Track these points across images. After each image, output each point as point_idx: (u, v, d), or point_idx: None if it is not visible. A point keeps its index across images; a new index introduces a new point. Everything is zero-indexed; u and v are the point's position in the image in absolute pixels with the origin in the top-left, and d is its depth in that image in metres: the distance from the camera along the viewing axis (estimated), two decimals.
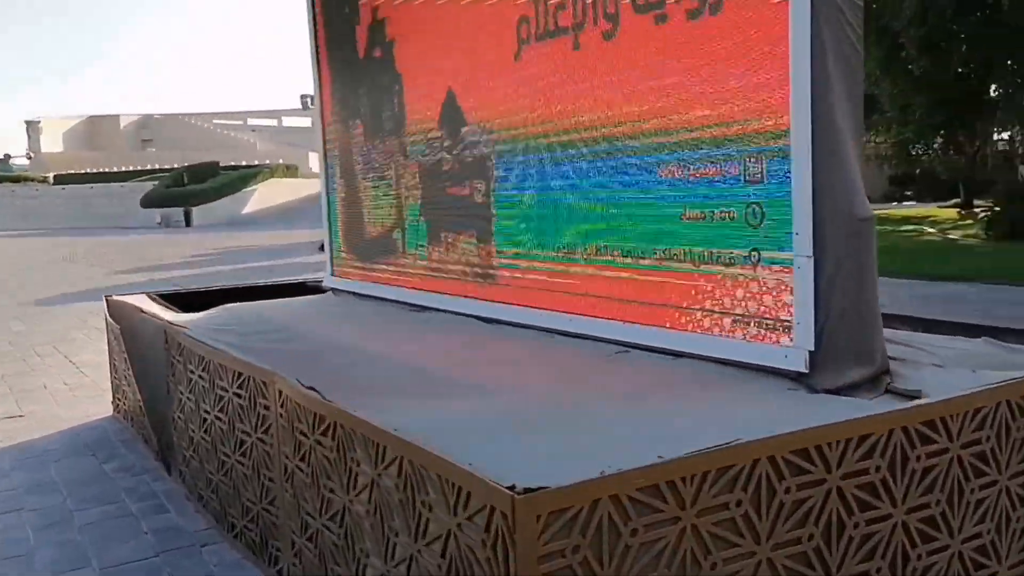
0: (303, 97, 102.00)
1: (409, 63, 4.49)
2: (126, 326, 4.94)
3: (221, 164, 56.07)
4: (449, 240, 4.30)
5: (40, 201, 57.51)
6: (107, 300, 5.49)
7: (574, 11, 3.24)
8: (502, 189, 3.83)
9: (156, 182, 53.72)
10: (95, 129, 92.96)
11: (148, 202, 49.73)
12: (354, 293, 5.31)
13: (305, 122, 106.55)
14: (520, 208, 3.72)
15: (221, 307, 5.18)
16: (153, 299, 5.48)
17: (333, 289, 5.64)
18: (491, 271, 3.96)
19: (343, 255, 5.52)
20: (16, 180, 66.85)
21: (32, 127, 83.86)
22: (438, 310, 4.34)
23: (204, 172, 52.65)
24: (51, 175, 67.01)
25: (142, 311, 4.80)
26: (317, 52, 5.44)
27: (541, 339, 3.54)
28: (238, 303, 5.27)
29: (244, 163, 62.03)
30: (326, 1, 5.28)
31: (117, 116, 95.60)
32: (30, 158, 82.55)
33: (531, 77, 3.53)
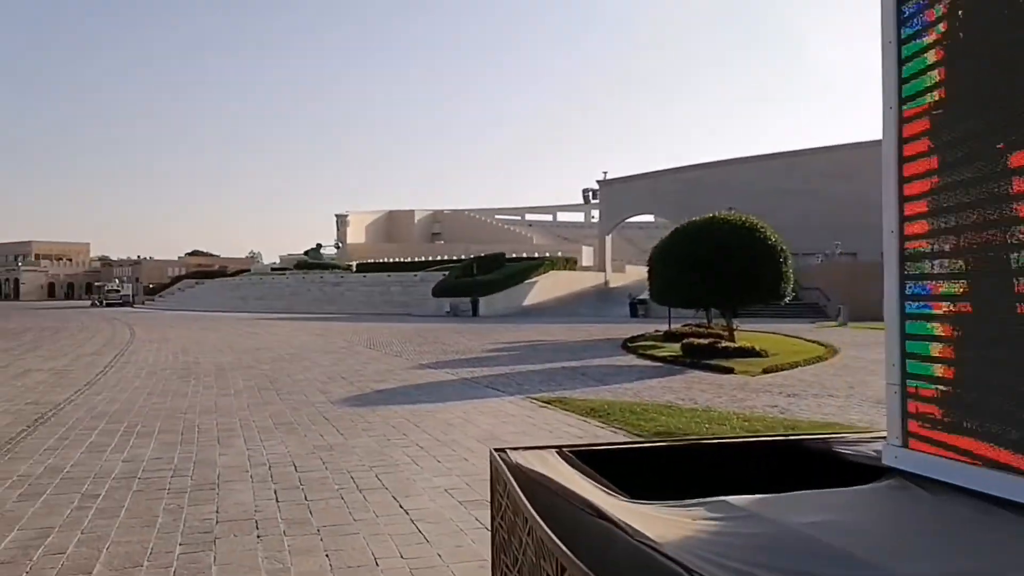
0: (585, 191, 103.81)
1: None
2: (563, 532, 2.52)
3: (505, 256, 57.18)
4: None
5: (343, 287, 61.95)
6: (501, 460, 3.16)
7: None
8: None
9: (445, 272, 55.62)
10: (392, 223, 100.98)
11: (439, 291, 51.23)
12: (983, 495, 2.59)
13: (578, 217, 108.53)
14: None
15: (714, 502, 2.72)
16: (572, 463, 3.15)
17: (901, 472, 2.96)
18: None
19: (941, 418, 2.85)
20: (325, 267, 73.61)
21: (341, 220, 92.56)
22: None
23: (491, 263, 53.66)
24: (354, 263, 72.88)
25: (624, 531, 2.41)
26: (899, 65, 2.95)
27: None
28: (734, 497, 2.78)
29: (524, 255, 62.95)
30: None
31: (412, 211, 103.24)
32: (338, 247, 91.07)
33: None
